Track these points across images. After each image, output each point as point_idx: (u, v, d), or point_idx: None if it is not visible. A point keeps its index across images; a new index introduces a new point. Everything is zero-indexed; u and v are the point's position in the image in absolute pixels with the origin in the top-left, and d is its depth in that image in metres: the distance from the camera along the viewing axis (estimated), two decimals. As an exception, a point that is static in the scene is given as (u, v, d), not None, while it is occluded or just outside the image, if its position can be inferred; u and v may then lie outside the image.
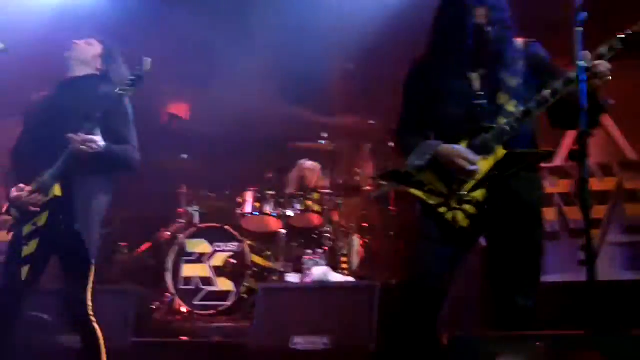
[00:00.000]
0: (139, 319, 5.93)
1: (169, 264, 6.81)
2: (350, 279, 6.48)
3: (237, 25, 8.60)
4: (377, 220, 7.43)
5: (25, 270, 4.23)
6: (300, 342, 5.30)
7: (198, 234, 6.93)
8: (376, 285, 5.35)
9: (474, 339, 3.15)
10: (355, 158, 7.83)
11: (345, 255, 6.99)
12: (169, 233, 7.50)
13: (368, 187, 7.36)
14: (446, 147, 3.67)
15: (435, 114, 3.81)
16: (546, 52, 3.84)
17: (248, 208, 7.10)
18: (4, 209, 4.41)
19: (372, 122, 7.25)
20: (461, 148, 3.64)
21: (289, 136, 7.67)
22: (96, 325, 4.27)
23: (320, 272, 6.14)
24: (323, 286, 5.90)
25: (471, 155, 3.61)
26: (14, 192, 4.28)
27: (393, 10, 7.62)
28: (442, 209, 3.66)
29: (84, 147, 4.12)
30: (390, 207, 7.19)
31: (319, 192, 7.10)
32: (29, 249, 4.25)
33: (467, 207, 3.61)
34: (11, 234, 4.35)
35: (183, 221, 7.38)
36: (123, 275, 7.63)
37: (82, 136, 4.12)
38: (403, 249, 7.08)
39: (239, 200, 7.21)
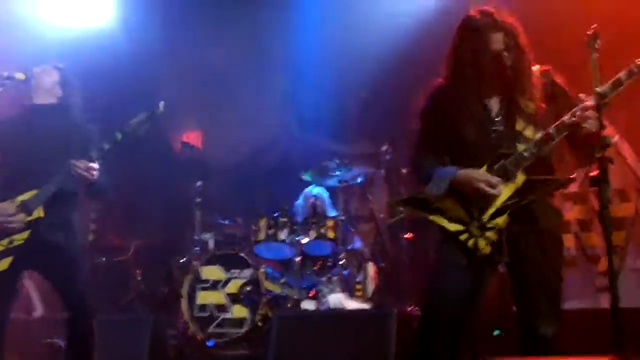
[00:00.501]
0: (154, 347, 5.90)
1: (184, 290, 6.79)
2: (366, 305, 6.46)
3: (252, 54, 8.66)
4: (392, 247, 7.42)
5: None
6: (316, 369, 5.27)
7: (213, 261, 6.91)
8: (392, 313, 5.32)
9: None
10: (368, 185, 7.83)
11: (359, 283, 6.97)
12: (184, 260, 7.51)
13: (382, 214, 7.35)
14: (464, 172, 3.66)
15: (453, 140, 3.81)
16: (561, 79, 3.84)
17: (262, 235, 7.09)
18: None
19: (385, 148, 7.24)
20: (480, 172, 3.64)
21: (303, 163, 7.67)
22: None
23: (335, 299, 6.12)
24: (339, 313, 5.88)
25: (492, 179, 3.61)
26: None
27: (406, 37, 7.67)
28: (463, 236, 3.64)
29: (85, 174, 4.28)
30: (405, 234, 7.18)
31: (332, 219, 7.09)
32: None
33: (489, 233, 3.59)
34: None
35: (198, 248, 7.39)
36: (138, 303, 7.64)
37: (85, 163, 4.27)
38: (419, 276, 7.09)
39: (253, 227, 7.20)
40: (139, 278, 7.78)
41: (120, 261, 8.13)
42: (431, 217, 3.76)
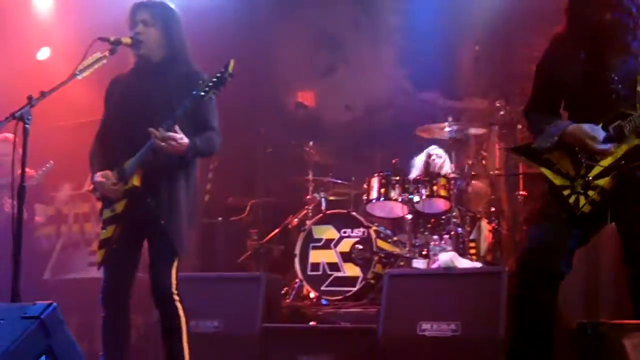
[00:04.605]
0: (269, 305, 6.02)
1: (297, 250, 6.88)
2: (478, 264, 6.38)
3: (364, 12, 8.62)
4: (506, 205, 7.29)
5: (100, 253, 4.32)
6: (427, 328, 5.27)
7: (325, 221, 6.97)
8: (503, 271, 5.24)
9: (600, 324, 3.10)
10: (482, 141, 7.70)
11: (473, 241, 6.89)
12: (297, 220, 7.61)
13: (496, 171, 7.21)
14: (574, 127, 3.56)
15: (568, 96, 3.71)
16: None
17: (374, 194, 7.08)
18: (92, 188, 4.46)
19: (499, 104, 7.08)
20: (589, 127, 3.52)
21: (416, 121, 7.60)
22: (179, 305, 4.25)
23: (447, 257, 6.06)
24: (450, 272, 5.83)
25: (599, 134, 3.48)
26: (98, 177, 4.30)
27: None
28: (565, 192, 3.56)
29: (164, 143, 4.05)
30: (520, 192, 7.03)
31: (445, 177, 7.01)
32: (105, 233, 4.32)
33: (591, 193, 3.50)
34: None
35: (310, 208, 7.46)
36: (253, 262, 7.80)
37: (162, 132, 4.04)
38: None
39: (365, 186, 7.21)
40: (255, 237, 7.93)
41: (236, 221, 8.31)
42: (540, 168, 3.70)
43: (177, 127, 4.09)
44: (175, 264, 4.26)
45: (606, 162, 3.50)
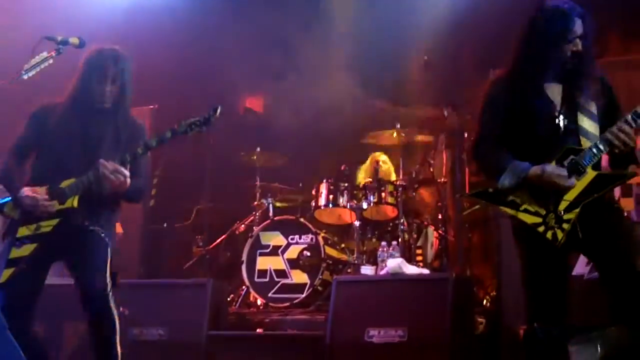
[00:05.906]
0: (215, 312, 5.97)
1: (244, 256, 6.84)
2: (425, 270, 6.41)
3: (314, 18, 8.61)
4: (452, 212, 7.34)
5: (7, 272, 4.13)
6: (375, 334, 5.28)
7: (272, 227, 6.95)
8: (450, 277, 5.30)
9: (551, 328, 3.16)
10: (430, 149, 7.75)
11: (420, 248, 6.92)
12: (244, 226, 7.55)
13: (443, 179, 7.26)
14: (538, 169, 3.63)
15: (519, 132, 3.77)
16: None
17: (322, 200, 7.08)
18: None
19: (447, 112, 7.13)
20: (551, 167, 3.62)
21: (364, 128, 7.63)
22: (113, 307, 4.17)
23: (394, 264, 6.08)
24: (397, 278, 5.85)
25: (563, 171, 3.60)
26: (27, 192, 4.16)
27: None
28: (540, 229, 3.63)
29: (112, 176, 4.07)
30: (465, 198, 7.09)
31: (393, 184, 7.03)
32: (19, 252, 4.16)
33: (565, 226, 3.59)
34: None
35: (258, 214, 7.42)
36: (199, 268, 7.71)
37: (114, 165, 4.08)
38: (479, 240, 7.05)
39: (314, 192, 7.20)
40: (200, 244, 7.85)
41: (181, 227, 8.23)
42: (506, 210, 3.74)
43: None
44: (108, 272, 4.20)
45: (571, 195, 3.61)
